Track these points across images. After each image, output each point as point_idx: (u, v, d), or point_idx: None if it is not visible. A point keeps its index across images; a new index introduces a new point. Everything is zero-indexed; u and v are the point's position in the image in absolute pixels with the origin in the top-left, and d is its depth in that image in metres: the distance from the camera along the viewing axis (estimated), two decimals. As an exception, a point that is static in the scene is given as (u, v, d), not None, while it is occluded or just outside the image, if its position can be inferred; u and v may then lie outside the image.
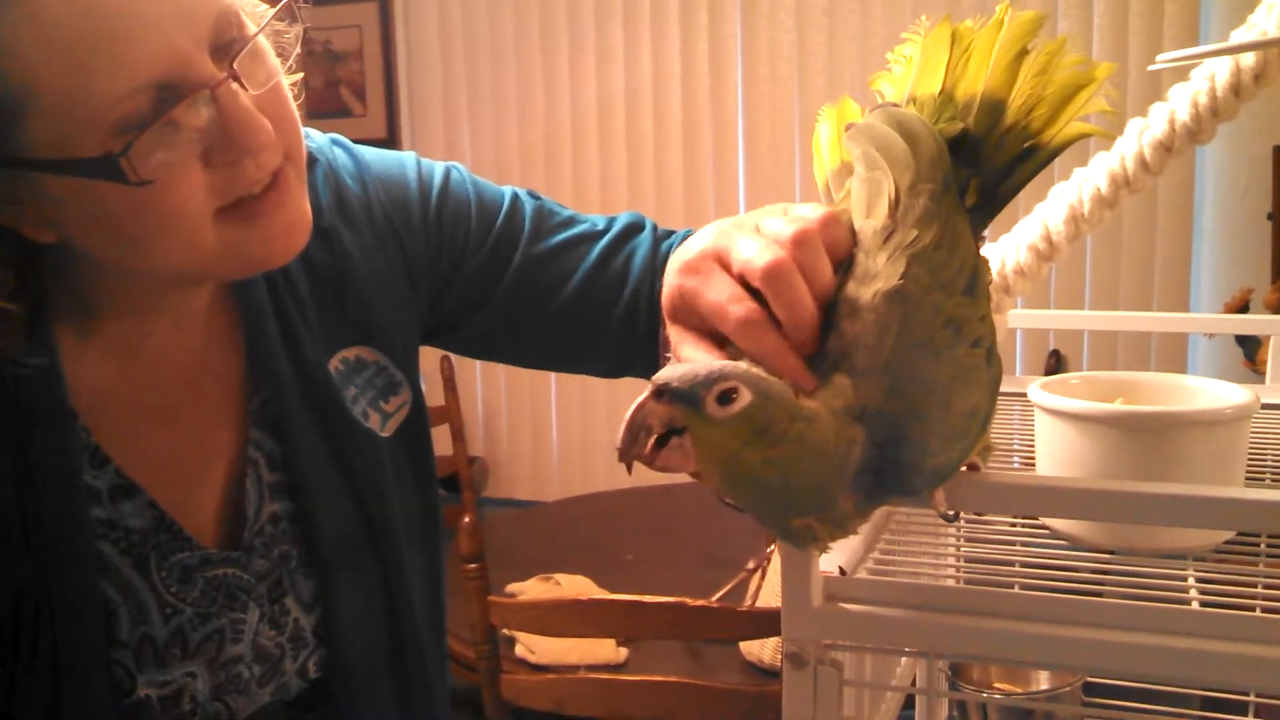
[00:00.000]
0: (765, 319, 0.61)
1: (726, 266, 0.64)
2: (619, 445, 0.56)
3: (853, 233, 0.64)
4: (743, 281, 0.63)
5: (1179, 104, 0.94)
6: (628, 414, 0.56)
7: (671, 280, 0.68)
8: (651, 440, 0.56)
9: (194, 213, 0.75)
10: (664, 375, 0.57)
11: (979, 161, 0.67)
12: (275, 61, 0.80)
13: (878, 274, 0.61)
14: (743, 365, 0.58)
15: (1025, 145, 0.67)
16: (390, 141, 4.47)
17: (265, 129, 0.75)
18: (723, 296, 0.63)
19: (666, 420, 0.56)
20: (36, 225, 0.77)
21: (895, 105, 0.69)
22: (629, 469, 0.57)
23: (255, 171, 0.77)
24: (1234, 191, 3.58)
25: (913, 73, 0.70)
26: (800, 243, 0.61)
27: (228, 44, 0.75)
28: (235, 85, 0.74)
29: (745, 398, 0.56)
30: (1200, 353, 3.64)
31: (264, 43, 0.79)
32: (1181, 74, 1.01)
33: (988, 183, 0.67)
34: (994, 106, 0.67)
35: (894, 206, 0.63)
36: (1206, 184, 3.68)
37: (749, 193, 4.16)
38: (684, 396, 0.56)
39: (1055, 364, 3.52)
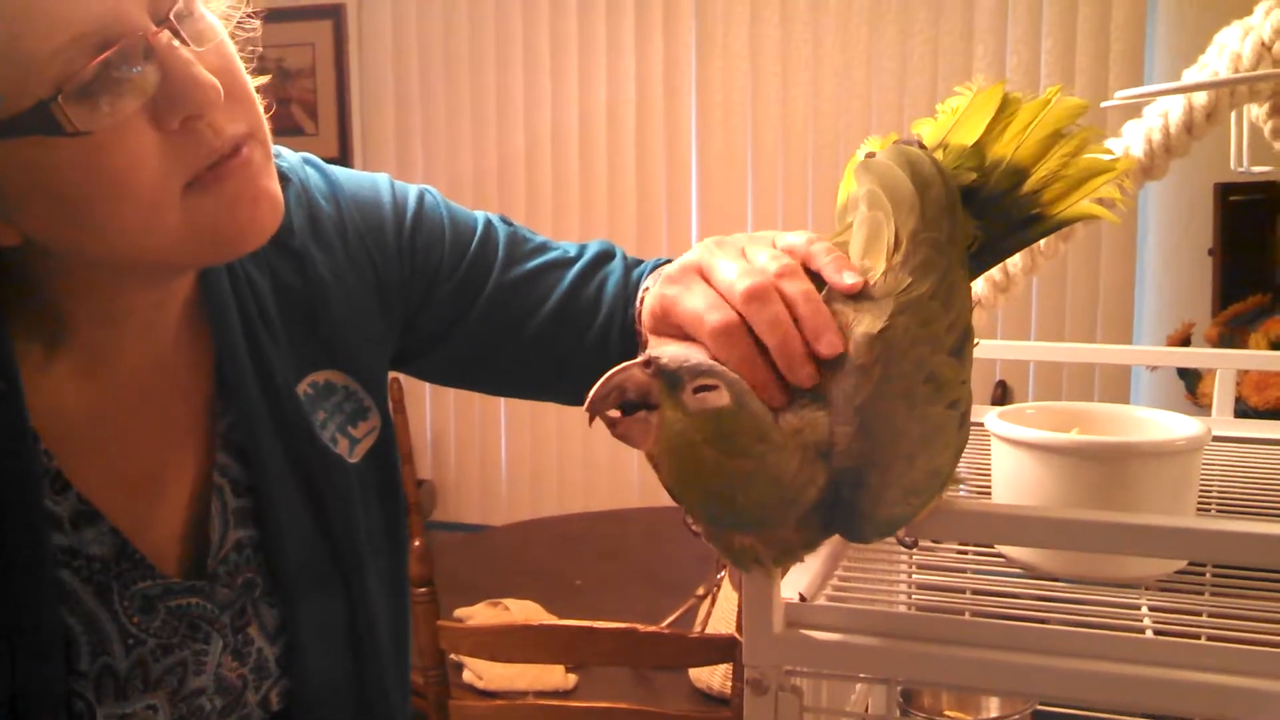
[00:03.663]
0: (741, 328, 0.61)
1: (708, 281, 0.65)
2: (590, 395, 0.57)
3: None
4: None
5: (1133, 140, 0.96)
6: (609, 372, 0.57)
7: (654, 291, 0.68)
8: (620, 408, 0.58)
9: (149, 179, 0.73)
10: (658, 350, 0.58)
11: (984, 217, 0.69)
12: (230, 45, 0.78)
13: (866, 315, 0.61)
14: (735, 375, 0.59)
15: (1033, 212, 0.69)
16: (342, 161, 4.44)
17: (211, 84, 0.73)
18: (700, 305, 0.63)
19: (643, 390, 0.57)
20: None
21: (914, 145, 0.69)
22: (590, 420, 0.58)
23: (214, 139, 0.74)
24: (1176, 227, 3.65)
25: (953, 122, 0.71)
26: (785, 275, 0.62)
27: (169, 9, 0.73)
28: (176, 43, 0.72)
29: (722, 399, 0.57)
30: (1143, 385, 3.71)
31: (212, 19, 0.77)
32: (1130, 112, 1.04)
33: (988, 239, 0.69)
34: (1017, 172, 0.69)
35: (892, 250, 0.63)
36: (1149, 219, 3.76)
37: (701, 215, 4.19)
38: (667, 374, 0.57)
39: (1001, 394, 3.57)
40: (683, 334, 0.65)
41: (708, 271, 0.65)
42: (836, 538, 0.65)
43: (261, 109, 0.80)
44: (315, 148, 1.04)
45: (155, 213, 0.74)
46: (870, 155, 0.69)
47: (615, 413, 0.58)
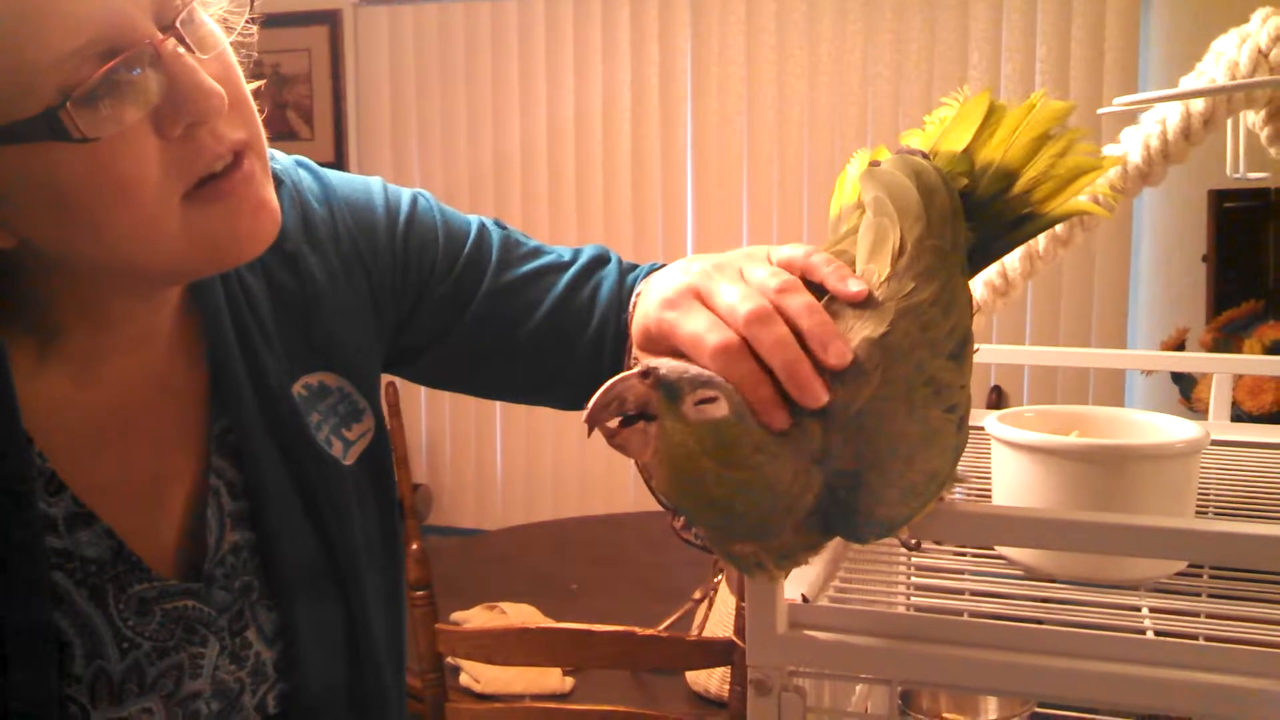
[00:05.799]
0: (743, 348, 0.61)
1: (707, 305, 0.65)
2: (589, 406, 0.57)
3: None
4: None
5: (1131, 146, 0.96)
6: (609, 382, 0.57)
7: (649, 312, 0.69)
8: (619, 418, 0.58)
9: (151, 186, 0.73)
10: (657, 361, 0.58)
11: (975, 220, 0.69)
12: (231, 53, 0.78)
13: (867, 321, 0.62)
14: (732, 387, 0.59)
15: (1024, 212, 0.70)
16: (337, 166, 4.44)
17: (216, 92, 0.73)
18: (700, 327, 0.63)
19: (642, 401, 0.57)
20: None
21: (920, 154, 0.70)
22: (589, 431, 0.58)
23: (214, 144, 0.75)
24: (1170, 233, 3.67)
25: (941, 131, 0.72)
26: (785, 291, 0.63)
27: (174, 17, 0.73)
28: (181, 49, 0.72)
29: (722, 409, 0.57)
30: (1138, 390, 3.72)
31: (213, 26, 0.77)
32: (1124, 119, 1.04)
33: (979, 241, 0.70)
34: (1006, 175, 0.70)
35: (896, 256, 0.64)
36: (1143, 225, 3.77)
37: (697, 220, 4.20)
38: (667, 385, 0.57)
39: (996, 399, 3.57)
40: (676, 355, 0.65)
41: (707, 296, 0.66)
42: (838, 539, 0.65)
43: (258, 116, 0.81)
44: (311, 152, 1.04)
45: (155, 219, 0.74)
46: (875, 164, 0.70)
47: (614, 422, 0.58)
